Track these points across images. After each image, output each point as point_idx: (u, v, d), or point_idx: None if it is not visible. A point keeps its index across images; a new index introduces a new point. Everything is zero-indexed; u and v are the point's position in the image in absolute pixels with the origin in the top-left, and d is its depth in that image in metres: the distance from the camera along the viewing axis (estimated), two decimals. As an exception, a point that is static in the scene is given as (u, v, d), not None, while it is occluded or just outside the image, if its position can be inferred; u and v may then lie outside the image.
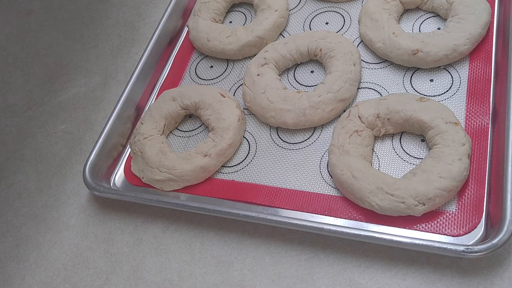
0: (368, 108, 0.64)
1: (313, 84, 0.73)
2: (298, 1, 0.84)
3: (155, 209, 0.70)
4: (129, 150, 0.76)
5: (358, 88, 0.71)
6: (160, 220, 0.69)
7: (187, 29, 0.86)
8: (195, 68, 0.83)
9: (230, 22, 0.87)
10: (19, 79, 0.94)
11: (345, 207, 0.61)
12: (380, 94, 0.69)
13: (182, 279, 0.64)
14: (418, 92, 0.68)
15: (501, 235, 0.52)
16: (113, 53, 0.92)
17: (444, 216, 0.58)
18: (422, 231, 0.57)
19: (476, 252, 0.52)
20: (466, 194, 0.58)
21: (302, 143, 0.69)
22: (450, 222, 0.57)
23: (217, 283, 0.62)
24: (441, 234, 0.57)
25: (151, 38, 0.84)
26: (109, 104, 0.84)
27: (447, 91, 0.67)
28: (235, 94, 0.77)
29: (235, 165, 0.70)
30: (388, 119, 0.63)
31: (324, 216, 0.62)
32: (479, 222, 0.56)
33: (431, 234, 0.57)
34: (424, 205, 0.56)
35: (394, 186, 0.57)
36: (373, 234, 0.56)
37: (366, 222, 0.60)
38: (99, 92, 0.87)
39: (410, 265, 0.57)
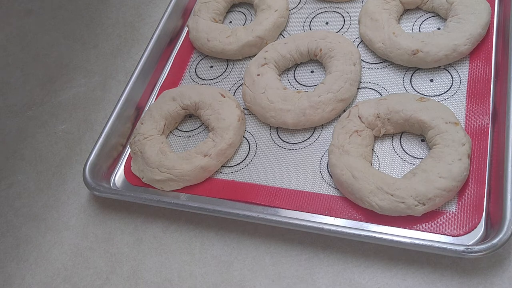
0: (368, 108, 0.64)
1: (313, 84, 0.73)
2: (298, 1, 0.84)
3: (155, 209, 0.70)
4: (129, 150, 0.76)
5: (358, 88, 0.71)
6: (160, 220, 0.69)
7: (187, 29, 0.86)
8: (195, 68, 0.83)
9: (230, 22, 0.87)
10: (19, 79, 0.94)
11: (345, 207, 0.61)
12: (380, 94, 0.69)
13: (182, 279, 0.64)
14: (418, 92, 0.68)
15: (501, 235, 0.52)
16: (113, 53, 0.92)
17: (444, 216, 0.58)
18: (422, 231, 0.57)
19: (476, 252, 0.52)
20: (466, 194, 0.58)
21: (302, 143, 0.69)
22: (450, 222, 0.57)
23: (217, 283, 0.62)
24: (441, 234, 0.57)
25: (151, 38, 0.84)
26: (109, 104, 0.84)
27: (447, 91, 0.67)
28: (235, 94, 0.77)
29: (235, 165, 0.70)
30: (388, 119, 0.63)
31: (324, 216, 0.62)
32: (479, 222, 0.56)
33: (431, 234, 0.57)
34: (424, 205, 0.56)
35: (394, 186, 0.57)
36: (373, 234, 0.56)
37: (366, 222, 0.60)
38: (99, 92, 0.87)
39: (410, 265, 0.57)
